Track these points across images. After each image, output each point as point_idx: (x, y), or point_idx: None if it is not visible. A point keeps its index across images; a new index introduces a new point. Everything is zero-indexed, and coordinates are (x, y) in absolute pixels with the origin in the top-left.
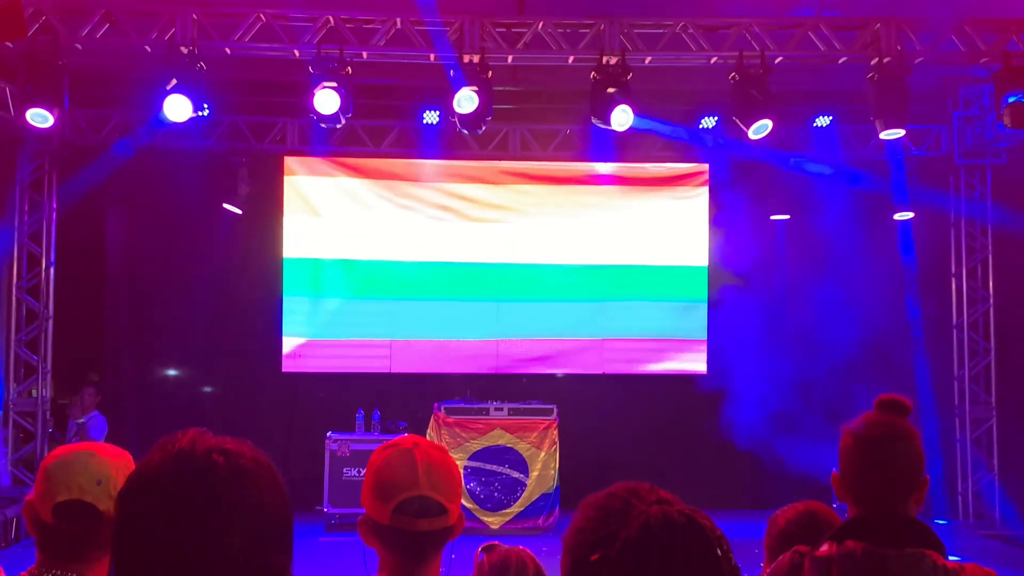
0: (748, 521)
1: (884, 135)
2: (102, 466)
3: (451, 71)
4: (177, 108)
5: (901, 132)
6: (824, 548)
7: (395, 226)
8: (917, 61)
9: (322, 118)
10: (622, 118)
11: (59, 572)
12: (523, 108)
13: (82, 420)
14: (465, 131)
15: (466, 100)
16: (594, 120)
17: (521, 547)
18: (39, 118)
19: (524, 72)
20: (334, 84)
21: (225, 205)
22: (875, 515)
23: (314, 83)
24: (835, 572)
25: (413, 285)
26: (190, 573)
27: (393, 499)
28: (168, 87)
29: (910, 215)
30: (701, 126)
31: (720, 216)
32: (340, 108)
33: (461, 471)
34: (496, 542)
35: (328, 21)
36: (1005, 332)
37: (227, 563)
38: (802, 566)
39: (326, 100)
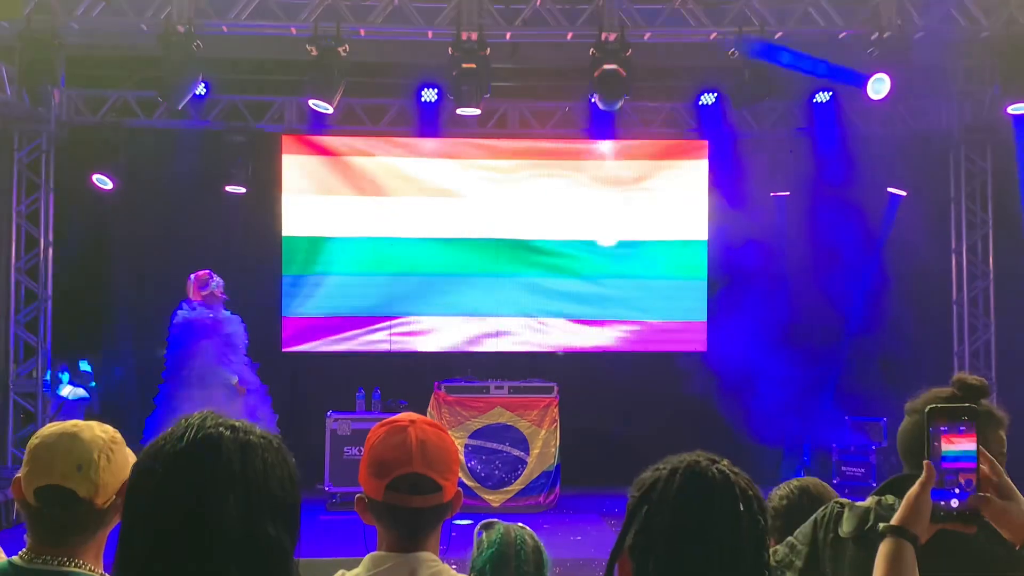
0: None
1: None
2: (84, 450)
3: (449, 49)
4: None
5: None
6: (865, 501)
7: (394, 203)
8: (917, 35)
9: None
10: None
11: (49, 558)
12: (522, 86)
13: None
14: (463, 111)
15: None
16: (596, 100)
17: (520, 524)
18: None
19: (523, 49)
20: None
21: (228, 188)
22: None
23: (312, 61)
24: (872, 520)
25: (413, 262)
26: (190, 538)
27: (387, 476)
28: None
29: (903, 193)
30: (701, 102)
31: (719, 191)
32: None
33: (461, 449)
34: (495, 519)
35: None
36: (1005, 308)
37: (224, 530)
38: (842, 513)
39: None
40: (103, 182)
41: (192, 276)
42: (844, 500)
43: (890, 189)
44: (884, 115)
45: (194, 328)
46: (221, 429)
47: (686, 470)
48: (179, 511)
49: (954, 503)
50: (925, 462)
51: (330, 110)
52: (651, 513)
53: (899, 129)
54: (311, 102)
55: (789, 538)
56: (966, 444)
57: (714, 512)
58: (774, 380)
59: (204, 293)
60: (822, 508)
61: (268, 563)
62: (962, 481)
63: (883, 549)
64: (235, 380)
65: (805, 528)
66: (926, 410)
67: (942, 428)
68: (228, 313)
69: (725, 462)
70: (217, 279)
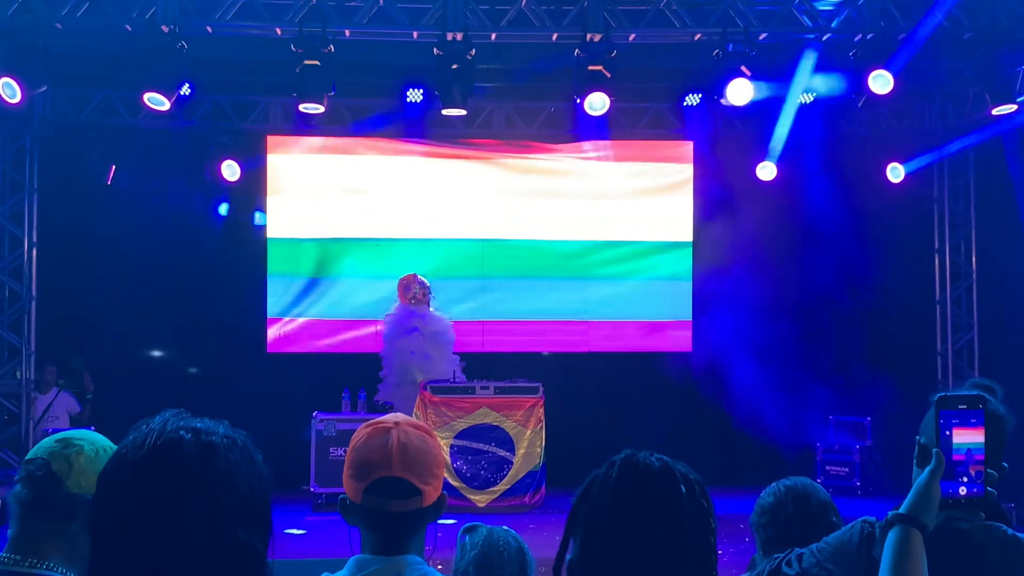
0: (735, 497)
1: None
2: (75, 435)
3: (434, 49)
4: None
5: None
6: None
7: (378, 204)
8: (899, 37)
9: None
10: (597, 103)
11: (19, 558)
12: (507, 86)
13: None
14: (449, 112)
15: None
16: (578, 100)
17: (504, 526)
18: (8, 90)
19: (508, 49)
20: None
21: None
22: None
23: (297, 62)
24: None
25: (397, 263)
26: (158, 547)
27: (366, 479)
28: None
29: (900, 172)
30: (686, 103)
31: (704, 191)
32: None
33: (447, 450)
34: (478, 522)
35: None
36: (988, 307)
37: (192, 536)
38: (873, 535)
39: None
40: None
41: (400, 280)
42: (871, 519)
43: (890, 175)
44: (867, 116)
45: (394, 329)
46: (182, 433)
47: (622, 462)
48: (144, 519)
49: (962, 491)
50: (935, 451)
51: (321, 109)
52: (591, 511)
53: (883, 129)
54: (301, 106)
55: (818, 557)
56: (975, 436)
57: (654, 497)
58: (758, 379)
59: (408, 296)
60: (850, 527)
61: (239, 566)
62: (972, 472)
63: (892, 537)
64: (421, 378)
65: (836, 547)
66: (935, 399)
67: (953, 420)
68: (435, 312)
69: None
70: (420, 281)
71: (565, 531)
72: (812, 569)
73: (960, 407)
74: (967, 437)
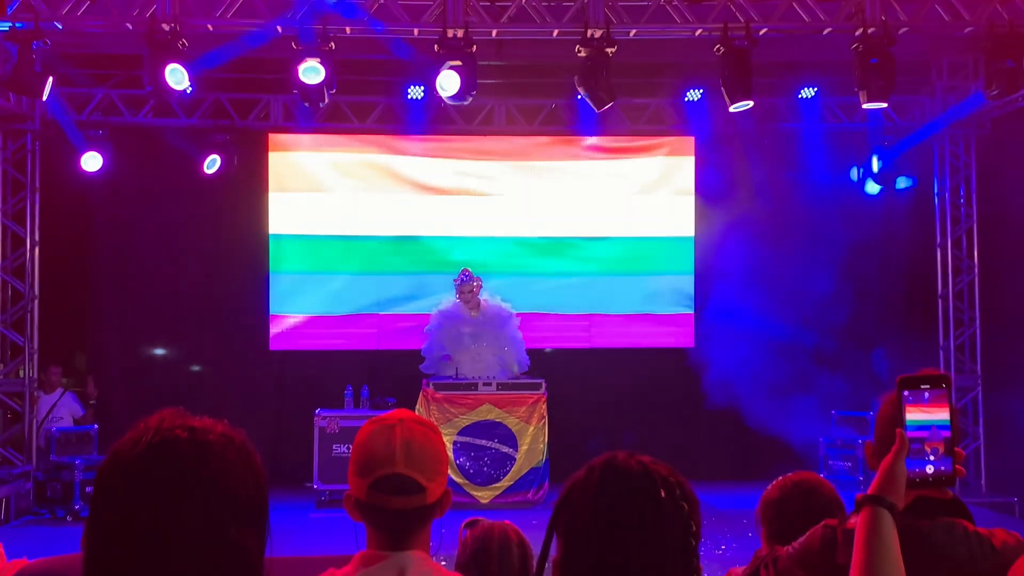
0: (737, 492)
1: (867, 106)
2: None
3: (435, 46)
4: (176, 77)
5: (883, 104)
6: (856, 521)
7: (381, 201)
8: (901, 31)
9: (306, 94)
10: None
11: None
12: (508, 83)
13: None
14: (451, 102)
15: (448, 79)
16: (579, 97)
17: (506, 521)
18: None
19: (509, 46)
20: (318, 59)
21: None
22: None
23: (297, 59)
24: None
25: (400, 260)
26: (149, 543)
27: (370, 476)
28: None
29: (908, 182)
30: (687, 99)
31: (706, 187)
32: (324, 81)
33: (450, 446)
34: (479, 517)
35: None
36: (990, 301)
37: (184, 534)
38: (835, 540)
39: (310, 73)
40: (94, 159)
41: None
42: (832, 522)
43: (899, 184)
44: (868, 110)
45: (435, 323)
46: (178, 431)
47: (603, 466)
48: (136, 516)
49: (929, 469)
50: (897, 430)
51: (325, 99)
52: (573, 515)
53: (883, 123)
54: (301, 66)
55: (787, 563)
56: (940, 414)
57: (635, 501)
58: (761, 374)
59: (458, 293)
60: (812, 532)
61: (230, 567)
62: (937, 449)
63: (862, 519)
64: (454, 371)
65: (802, 552)
66: (897, 379)
67: (916, 399)
68: (494, 305)
69: (645, 456)
70: (467, 280)
71: (547, 533)
72: (785, 574)
73: (922, 386)
74: (931, 415)
